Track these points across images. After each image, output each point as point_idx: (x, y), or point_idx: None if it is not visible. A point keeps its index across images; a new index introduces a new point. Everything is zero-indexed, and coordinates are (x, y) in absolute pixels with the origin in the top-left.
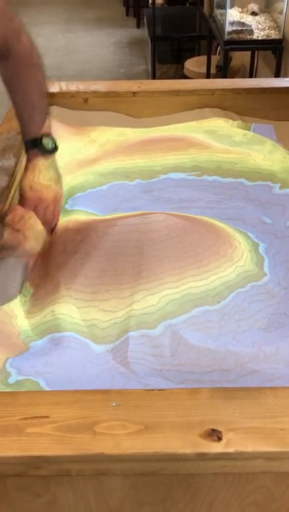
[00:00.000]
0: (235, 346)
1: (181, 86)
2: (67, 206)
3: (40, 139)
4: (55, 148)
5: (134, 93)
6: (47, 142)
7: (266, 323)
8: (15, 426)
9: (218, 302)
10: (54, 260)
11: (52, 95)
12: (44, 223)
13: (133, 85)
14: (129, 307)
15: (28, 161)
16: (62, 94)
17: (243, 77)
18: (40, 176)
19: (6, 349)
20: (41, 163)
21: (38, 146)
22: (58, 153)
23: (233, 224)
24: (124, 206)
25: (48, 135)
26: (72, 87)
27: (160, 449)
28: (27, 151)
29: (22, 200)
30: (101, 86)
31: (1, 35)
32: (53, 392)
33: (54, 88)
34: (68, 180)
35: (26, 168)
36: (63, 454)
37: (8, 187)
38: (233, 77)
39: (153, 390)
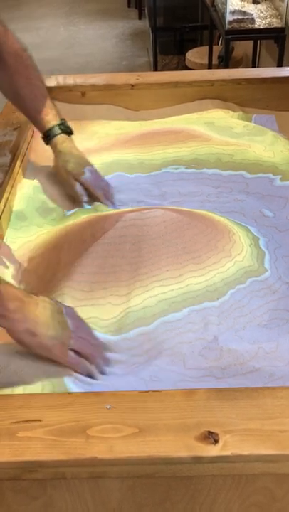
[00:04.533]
0: (234, 344)
1: (180, 77)
2: None
3: (64, 122)
4: None
5: (132, 86)
6: (69, 125)
7: (267, 319)
8: (6, 430)
9: (218, 299)
10: (51, 258)
11: (49, 89)
12: (107, 194)
13: (131, 78)
14: (126, 304)
15: (62, 144)
16: (59, 89)
17: (246, 67)
18: (79, 154)
19: None
20: (72, 144)
21: (65, 130)
22: None
23: (234, 217)
24: (123, 201)
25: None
26: (70, 80)
27: (154, 453)
28: (54, 137)
29: (81, 180)
30: (99, 79)
31: None
32: (45, 395)
33: (51, 82)
34: None
35: (64, 151)
36: (55, 458)
37: (4, 184)
38: (236, 68)
39: (148, 391)
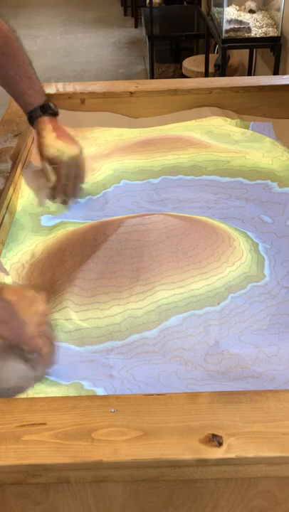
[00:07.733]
0: (236, 348)
1: (178, 85)
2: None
3: (47, 104)
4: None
5: (131, 93)
6: (53, 105)
7: (267, 324)
8: (12, 433)
9: (219, 303)
10: (52, 263)
11: (49, 96)
12: (76, 179)
13: (130, 85)
14: (128, 309)
15: (41, 127)
16: (59, 96)
17: (242, 75)
18: (60, 134)
19: None
20: (55, 124)
21: (46, 111)
22: None
23: (233, 223)
24: (123, 207)
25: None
26: (69, 88)
27: (159, 456)
28: (36, 118)
29: (55, 164)
30: (98, 86)
31: None
32: (50, 399)
33: (51, 89)
34: None
35: (42, 134)
36: (61, 462)
37: (5, 190)
38: (232, 76)
39: (152, 394)
